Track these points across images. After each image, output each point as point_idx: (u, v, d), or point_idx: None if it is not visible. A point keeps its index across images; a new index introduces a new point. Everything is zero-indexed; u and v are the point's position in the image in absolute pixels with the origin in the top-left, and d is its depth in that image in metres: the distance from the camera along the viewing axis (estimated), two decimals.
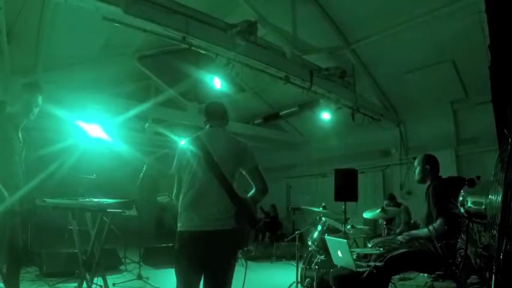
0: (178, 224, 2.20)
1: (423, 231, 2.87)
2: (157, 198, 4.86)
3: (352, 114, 7.13)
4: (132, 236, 6.09)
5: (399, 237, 3.07)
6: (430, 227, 2.77)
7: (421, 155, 3.24)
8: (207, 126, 2.44)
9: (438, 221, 2.77)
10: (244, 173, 2.30)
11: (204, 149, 2.21)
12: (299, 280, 4.47)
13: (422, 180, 3.13)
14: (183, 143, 2.34)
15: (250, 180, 2.29)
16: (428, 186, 3.06)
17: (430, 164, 3.12)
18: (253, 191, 2.28)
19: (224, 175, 2.17)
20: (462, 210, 2.00)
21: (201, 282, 2.18)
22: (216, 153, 2.21)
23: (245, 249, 2.37)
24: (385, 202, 6.07)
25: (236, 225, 2.14)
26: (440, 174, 3.14)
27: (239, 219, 2.15)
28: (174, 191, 2.34)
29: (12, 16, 4.72)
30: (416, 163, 3.21)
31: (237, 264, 2.23)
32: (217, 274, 2.14)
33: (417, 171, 3.16)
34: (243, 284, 2.37)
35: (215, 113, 2.45)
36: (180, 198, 2.23)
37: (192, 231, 2.13)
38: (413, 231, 3.07)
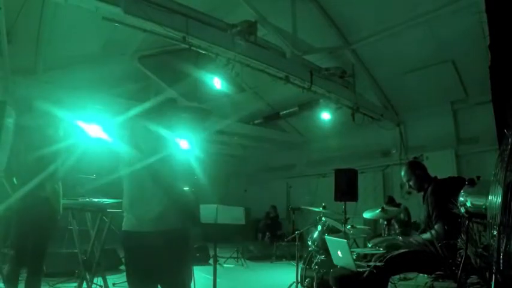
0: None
1: (425, 236, 2.84)
2: None
3: (352, 114, 7.14)
4: None
5: (396, 235, 3.05)
6: (433, 231, 2.75)
7: (404, 167, 3.16)
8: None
9: (437, 226, 2.75)
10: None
11: (136, 144, 2.07)
12: (299, 280, 4.47)
13: (421, 188, 3.06)
14: (116, 137, 2.19)
15: None
16: (426, 189, 3.01)
17: (420, 168, 3.09)
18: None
19: (159, 172, 2.00)
20: (462, 210, 2.00)
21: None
22: (145, 149, 2.04)
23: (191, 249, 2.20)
24: (384, 206, 6.05)
25: (179, 225, 1.98)
26: (435, 175, 3.10)
27: (179, 218, 1.99)
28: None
29: (12, 16, 4.71)
30: (406, 177, 3.11)
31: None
32: (165, 278, 1.96)
33: (413, 182, 3.08)
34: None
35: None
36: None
37: (132, 232, 1.98)
38: (412, 239, 2.97)
